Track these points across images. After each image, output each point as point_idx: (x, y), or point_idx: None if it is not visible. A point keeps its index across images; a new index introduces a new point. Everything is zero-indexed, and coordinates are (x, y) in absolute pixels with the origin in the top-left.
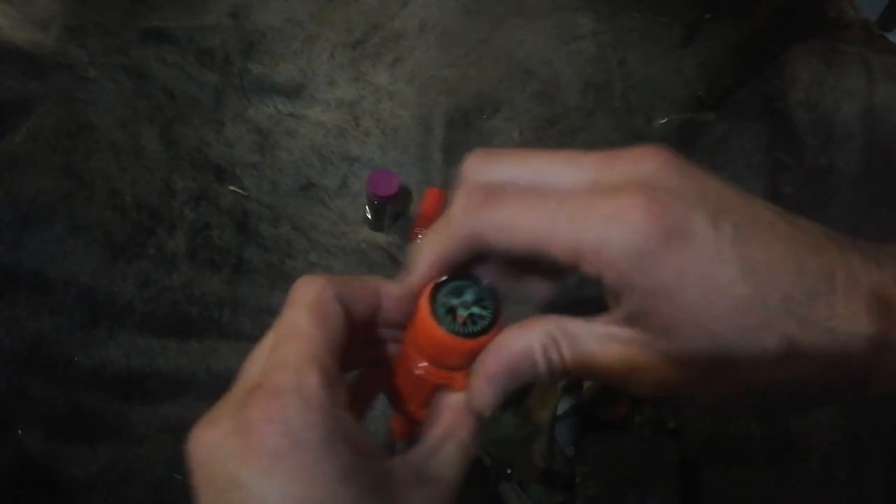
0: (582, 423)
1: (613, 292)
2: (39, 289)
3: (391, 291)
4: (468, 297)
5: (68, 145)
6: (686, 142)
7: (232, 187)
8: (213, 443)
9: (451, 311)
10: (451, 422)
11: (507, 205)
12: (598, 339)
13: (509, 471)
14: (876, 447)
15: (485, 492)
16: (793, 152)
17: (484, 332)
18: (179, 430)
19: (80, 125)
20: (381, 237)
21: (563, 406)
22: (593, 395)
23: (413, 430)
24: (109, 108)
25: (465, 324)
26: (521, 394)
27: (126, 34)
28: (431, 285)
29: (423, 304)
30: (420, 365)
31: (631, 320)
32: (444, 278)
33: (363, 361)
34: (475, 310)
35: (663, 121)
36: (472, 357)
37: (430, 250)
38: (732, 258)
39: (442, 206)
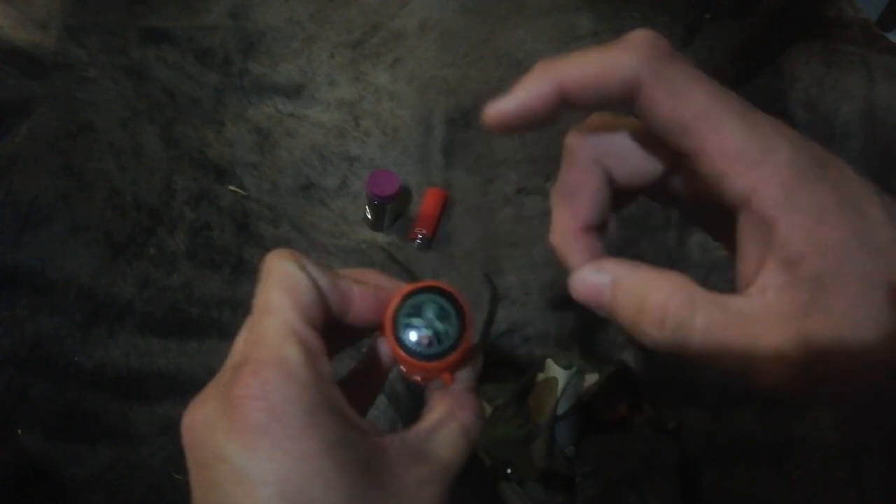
0: (582, 423)
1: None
2: (39, 289)
3: (360, 295)
4: (429, 313)
5: (68, 145)
6: None
7: (232, 187)
8: (200, 421)
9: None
10: (453, 401)
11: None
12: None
13: (509, 471)
14: (876, 447)
15: (485, 492)
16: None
17: (448, 351)
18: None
19: (80, 125)
20: (381, 237)
21: (563, 406)
22: (593, 395)
23: None
24: (109, 108)
25: (430, 343)
26: (521, 394)
27: (126, 34)
28: (395, 302)
29: (388, 324)
30: (401, 368)
31: (789, 263)
32: (407, 291)
33: (352, 340)
34: (439, 326)
35: None
36: (444, 370)
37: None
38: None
39: (442, 206)
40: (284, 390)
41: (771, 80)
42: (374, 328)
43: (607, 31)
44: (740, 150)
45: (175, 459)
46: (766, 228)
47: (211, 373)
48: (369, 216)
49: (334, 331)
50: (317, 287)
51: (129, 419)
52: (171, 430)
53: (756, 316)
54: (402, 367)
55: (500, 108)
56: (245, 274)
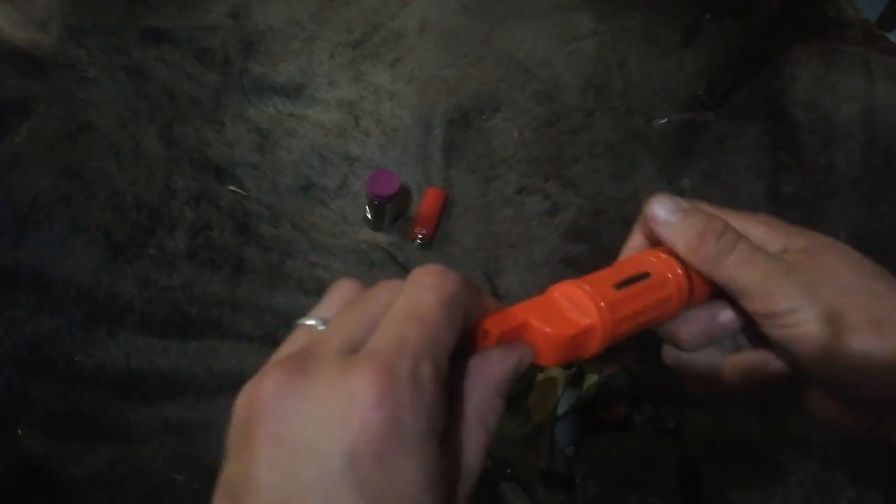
0: (582, 423)
1: None
2: (39, 289)
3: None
4: None
5: (68, 145)
6: (686, 142)
7: (232, 187)
8: (291, 400)
9: None
10: (483, 404)
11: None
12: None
13: (509, 471)
14: (876, 447)
15: (485, 492)
16: (793, 152)
17: None
18: (179, 430)
19: (80, 125)
20: (381, 237)
21: (563, 406)
22: (593, 395)
23: None
24: (109, 108)
25: None
26: (521, 394)
27: (126, 34)
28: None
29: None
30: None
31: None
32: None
33: None
34: None
35: (663, 121)
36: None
37: None
38: None
39: (442, 206)
40: (415, 405)
41: (771, 80)
42: None
43: (607, 31)
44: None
45: (175, 459)
46: None
47: (211, 373)
48: (369, 216)
49: None
50: (464, 323)
51: (129, 419)
52: (171, 430)
53: (771, 257)
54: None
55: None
56: (245, 274)
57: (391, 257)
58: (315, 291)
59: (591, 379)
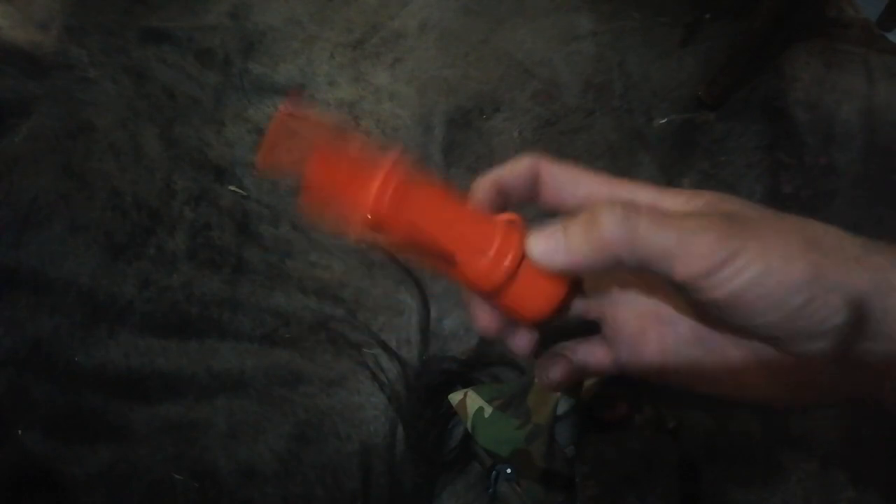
0: (582, 423)
1: None
2: (39, 289)
3: None
4: None
5: (68, 145)
6: (686, 142)
7: (232, 187)
8: None
9: None
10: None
11: None
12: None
13: (509, 471)
14: (876, 447)
15: (485, 492)
16: (793, 152)
17: None
18: (179, 430)
19: (80, 125)
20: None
21: (563, 406)
22: (593, 395)
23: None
24: (109, 108)
25: None
26: (521, 394)
27: (126, 34)
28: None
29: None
30: None
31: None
32: None
33: None
34: None
35: (663, 121)
36: None
37: None
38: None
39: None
40: None
41: (771, 80)
42: None
43: (607, 31)
44: None
45: (175, 459)
46: None
47: (211, 373)
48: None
49: None
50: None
51: (129, 419)
52: (171, 430)
53: (684, 214)
54: None
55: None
56: (245, 274)
57: (391, 257)
58: (315, 291)
59: (591, 379)
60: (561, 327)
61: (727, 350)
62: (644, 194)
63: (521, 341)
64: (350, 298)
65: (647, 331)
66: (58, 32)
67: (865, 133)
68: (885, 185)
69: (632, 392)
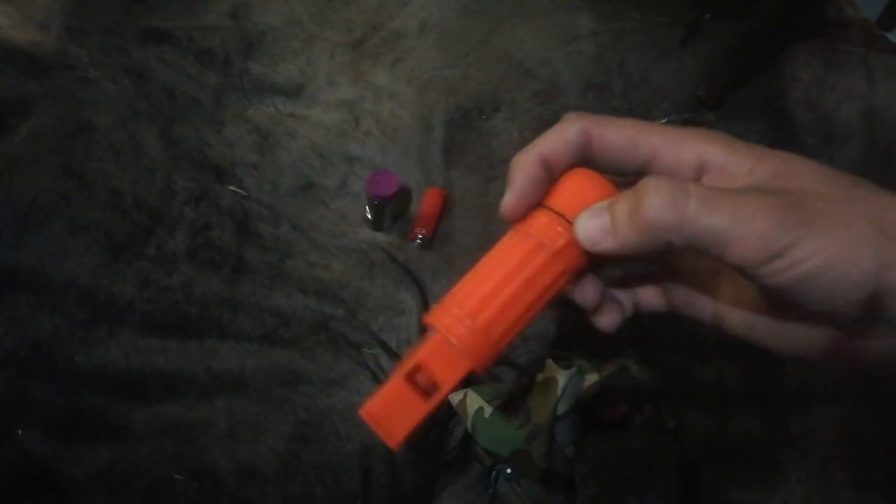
0: (582, 423)
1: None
2: (39, 289)
3: None
4: None
5: (68, 145)
6: None
7: (232, 187)
8: None
9: None
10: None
11: None
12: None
13: (509, 471)
14: (876, 447)
15: (485, 492)
16: (792, 152)
17: None
18: (179, 430)
19: (80, 125)
20: (381, 237)
21: (563, 406)
22: (593, 395)
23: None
24: (109, 108)
25: None
26: (521, 394)
27: (126, 34)
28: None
29: None
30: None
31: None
32: None
33: None
34: None
35: (663, 121)
36: None
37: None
38: None
39: (442, 206)
40: None
41: (771, 80)
42: None
43: (607, 31)
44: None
45: (175, 459)
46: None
47: (211, 373)
48: (369, 216)
49: None
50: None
51: (129, 419)
52: (171, 430)
53: (741, 190)
54: None
55: (507, 204)
56: (245, 274)
57: (391, 257)
58: (315, 291)
59: (591, 379)
60: (618, 276)
61: (791, 317)
62: (712, 151)
63: (589, 293)
64: (350, 298)
65: (708, 285)
66: (58, 32)
67: (865, 133)
68: (885, 185)
69: (632, 392)
